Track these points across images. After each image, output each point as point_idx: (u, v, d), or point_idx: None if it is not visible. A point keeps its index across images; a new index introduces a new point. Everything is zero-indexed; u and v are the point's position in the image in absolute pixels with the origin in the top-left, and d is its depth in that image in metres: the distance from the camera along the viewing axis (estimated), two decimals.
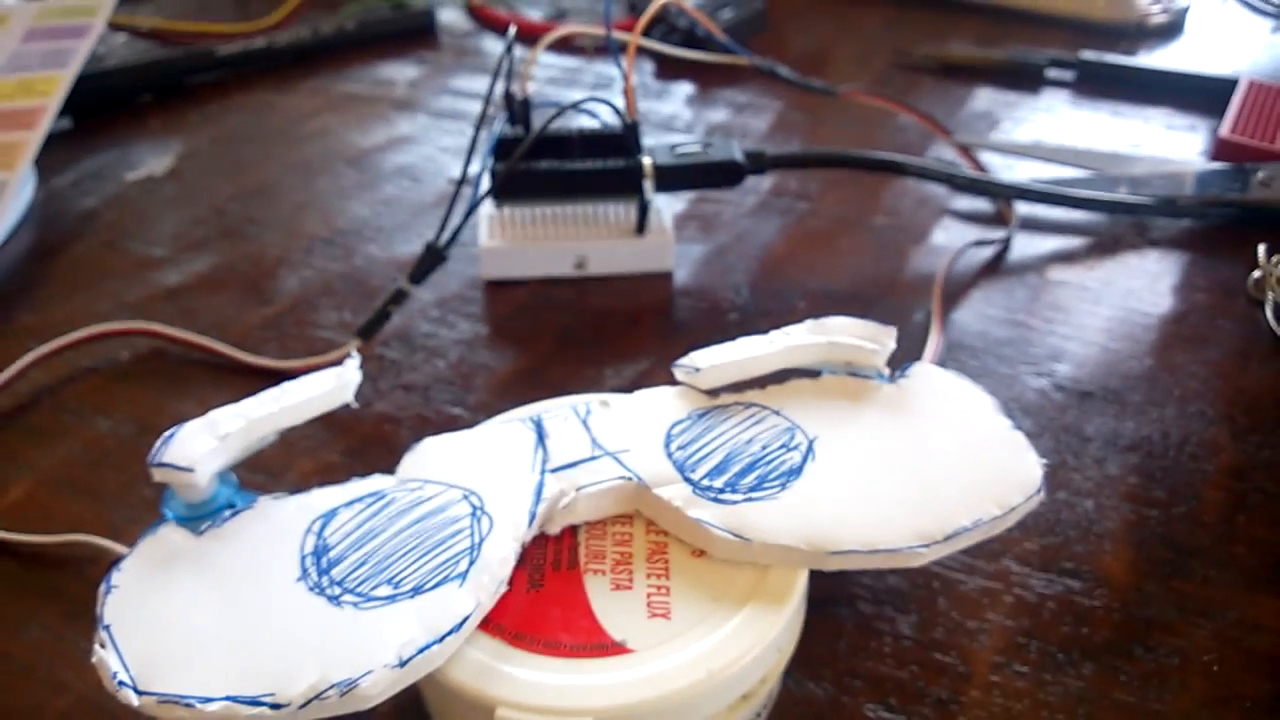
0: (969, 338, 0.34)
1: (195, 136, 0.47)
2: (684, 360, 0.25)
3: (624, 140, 0.36)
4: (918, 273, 0.37)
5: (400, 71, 0.54)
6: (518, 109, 0.36)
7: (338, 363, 0.32)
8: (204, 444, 0.21)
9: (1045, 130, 0.46)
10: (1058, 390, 0.31)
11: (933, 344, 0.33)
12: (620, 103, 0.35)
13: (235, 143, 0.47)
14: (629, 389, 0.25)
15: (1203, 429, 0.30)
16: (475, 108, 0.49)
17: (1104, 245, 0.38)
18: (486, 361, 0.33)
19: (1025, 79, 0.51)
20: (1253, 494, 0.28)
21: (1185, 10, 0.55)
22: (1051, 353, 0.33)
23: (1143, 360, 0.33)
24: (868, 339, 0.25)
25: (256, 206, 0.42)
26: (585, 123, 0.37)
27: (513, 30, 0.33)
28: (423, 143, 0.46)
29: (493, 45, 0.57)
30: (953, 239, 0.39)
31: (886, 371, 0.25)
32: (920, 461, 0.23)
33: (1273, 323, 0.34)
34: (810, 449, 0.23)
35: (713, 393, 0.25)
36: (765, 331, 0.25)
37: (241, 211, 0.42)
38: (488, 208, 0.37)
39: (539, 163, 0.36)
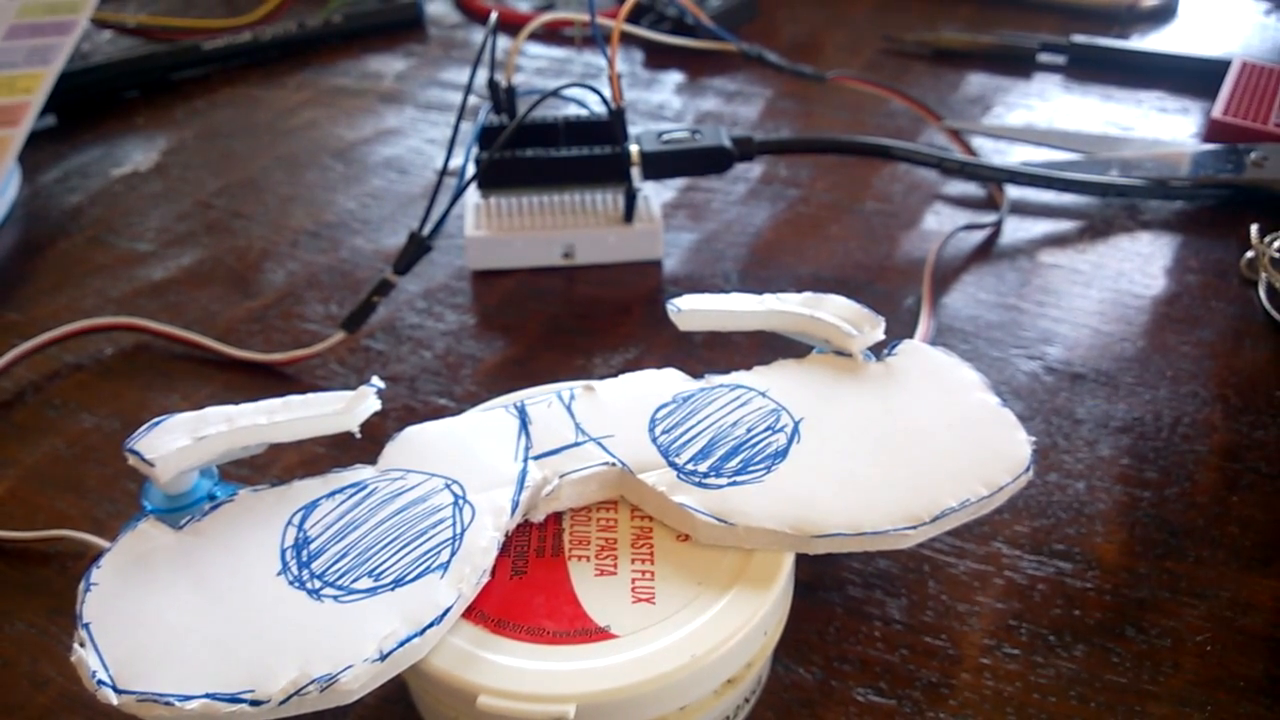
0: (960, 322, 0.33)
1: (181, 132, 0.47)
2: (672, 300, 0.25)
3: (610, 127, 0.36)
4: (909, 257, 0.37)
5: (388, 64, 0.53)
6: (502, 97, 0.35)
7: (323, 356, 0.32)
8: (175, 441, 0.21)
9: (1037, 115, 0.46)
10: (1049, 373, 0.31)
11: (923, 328, 0.32)
12: (606, 89, 0.34)
13: (222, 137, 0.47)
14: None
15: (1195, 410, 0.30)
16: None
17: (1095, 228, 0.38)
18: (473, 352, 0.33)
19: (1017, 63, 0.50)
20: (1246, 474, 0.28)
21: None
22: (1043, 335, 0.33)
23: (1135, 342, 0.32)
24: (853, 322, 0.25)
25: (242, 201, 0.42)
26: (572, 111, 0.37)
27: (494, 17, 0.33)
28: (410, 135, 0.46)
29: (481, 37, 0.56)
30: (943, 224, 0.38)
31: (868, 354, 0.25)
32: (907, 442, 0.22)
33: (1266, 303, 0.34)
34: (796, 431, 0.23)
35: (698, 375, 0.25)
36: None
37: (227, 206, 0.41)
38: (474, 198, 0.37)
39: (524, 151, 0.35)
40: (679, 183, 0.42)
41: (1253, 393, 0.30)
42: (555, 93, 0.33)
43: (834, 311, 0.25)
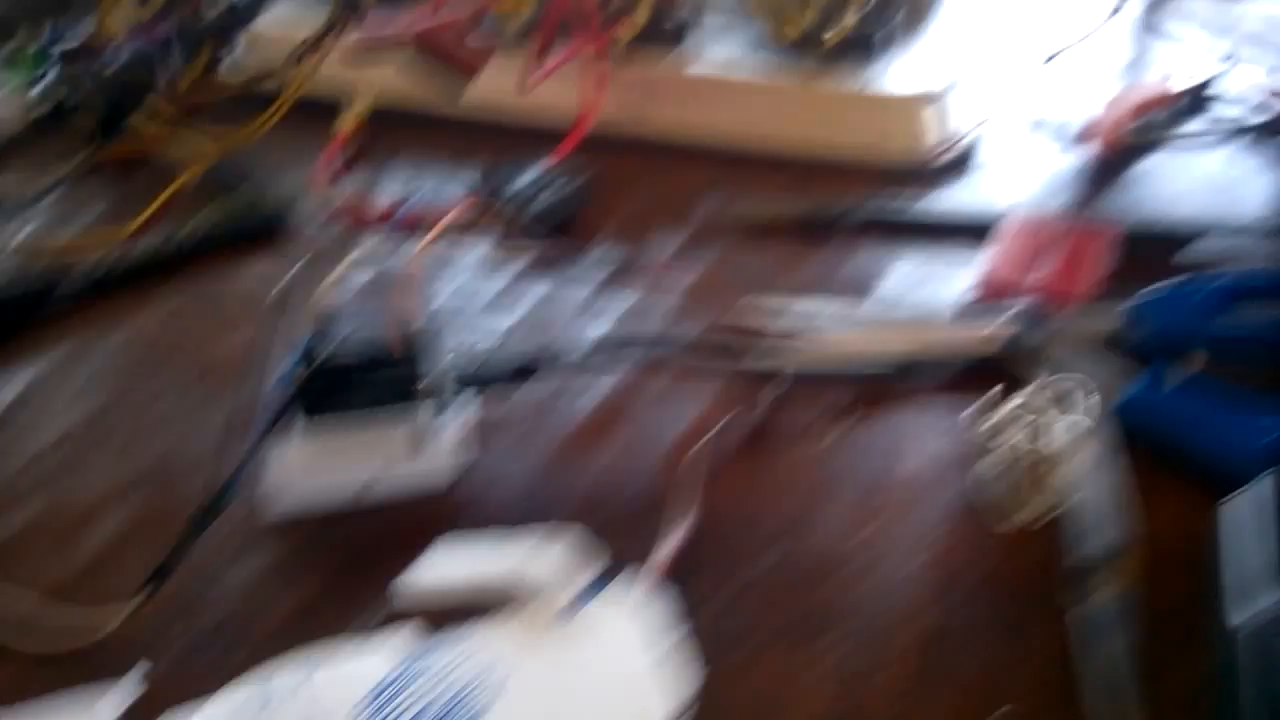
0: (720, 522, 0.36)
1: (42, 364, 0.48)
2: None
3: (406, 361, 0.38)
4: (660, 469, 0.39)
5: (257, 272, 0.54)
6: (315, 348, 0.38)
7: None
8: None
9: (833, 282, 0.50)
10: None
11: (672, 543, 0.34)
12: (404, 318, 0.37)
13: (84, 362, 0.47)
14: None
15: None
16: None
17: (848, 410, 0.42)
18: (269, 600, 0.35)
19: (819, 231, 0.54)
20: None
21: (973, 145, 0.59)
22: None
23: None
24: (558, 573, 0.28)
25: (83, 444, 0.43)
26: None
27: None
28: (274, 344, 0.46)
29: (355, 237, 0.56)
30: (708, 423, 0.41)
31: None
32: (581, 703, 0.25)
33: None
34: (495, 694, 0.25)
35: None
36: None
37: (65, 456, 0.42)
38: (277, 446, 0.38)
39: (328, 391, 0.38)
40: (475, 401, 0.42)
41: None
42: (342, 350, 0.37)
43: (542, 564, 0.28)
